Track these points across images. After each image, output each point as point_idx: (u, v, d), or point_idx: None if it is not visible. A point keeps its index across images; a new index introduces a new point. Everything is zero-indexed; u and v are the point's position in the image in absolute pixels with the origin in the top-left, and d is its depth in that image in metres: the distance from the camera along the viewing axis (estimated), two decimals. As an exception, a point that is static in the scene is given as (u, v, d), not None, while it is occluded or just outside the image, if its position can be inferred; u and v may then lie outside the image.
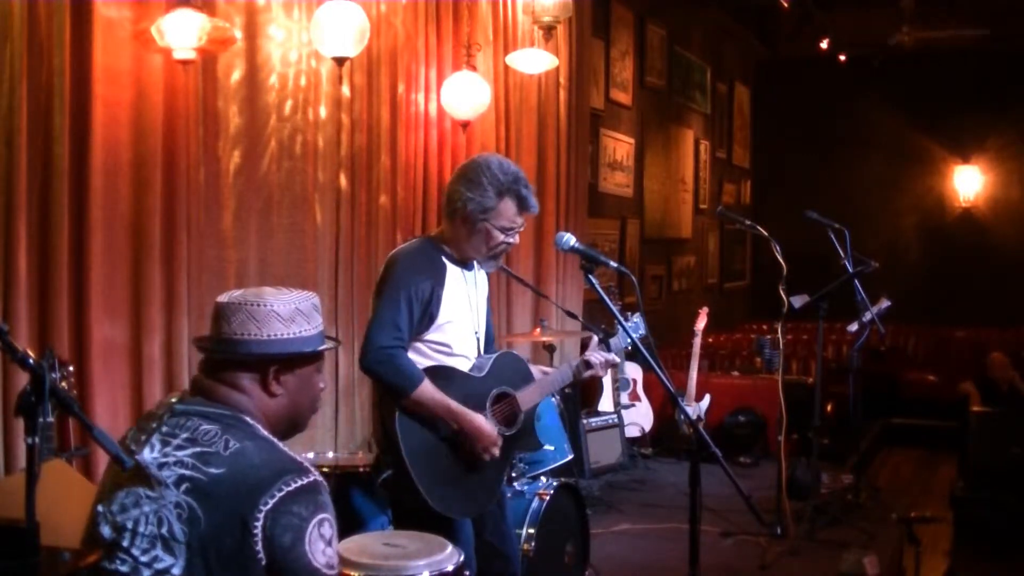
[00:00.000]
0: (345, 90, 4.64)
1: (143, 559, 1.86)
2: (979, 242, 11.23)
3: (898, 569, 4.99)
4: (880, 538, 5.28)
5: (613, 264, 3.10)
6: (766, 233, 5.40)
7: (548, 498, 3.95)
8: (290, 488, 1.86)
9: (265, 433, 1.97)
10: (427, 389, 2.98)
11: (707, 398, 6.89)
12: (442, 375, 3.06)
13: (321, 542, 1.88)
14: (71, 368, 3.07)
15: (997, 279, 10.87)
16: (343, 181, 4.68)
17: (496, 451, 3.09)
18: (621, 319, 3.15)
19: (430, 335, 3.09)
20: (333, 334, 4.60)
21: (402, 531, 3.04)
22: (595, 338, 3.41)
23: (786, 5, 10.08)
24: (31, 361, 1.76)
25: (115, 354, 3.59)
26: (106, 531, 1.89)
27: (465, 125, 5.37)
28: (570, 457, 4.53)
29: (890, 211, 11.64)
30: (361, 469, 3.70)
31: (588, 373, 3.34)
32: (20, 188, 3.19)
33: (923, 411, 8.96)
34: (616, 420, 6.65)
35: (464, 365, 3.17)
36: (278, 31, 4.33)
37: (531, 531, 3.84)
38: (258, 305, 1.99)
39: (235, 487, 1.85)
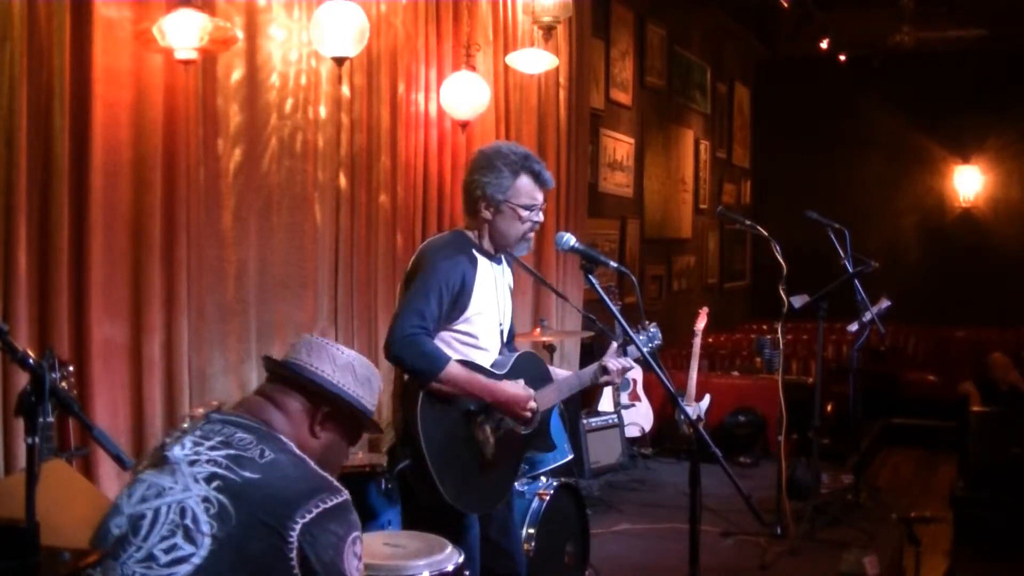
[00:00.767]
0: (345, 90, 4.64)
1: (160, 547, 1.87)
2: (979, 242, 11.24)
3: (898, 569, 4.99)
4: (880, 538, 5.28)
5: (613, 264, 3.10)
6: (766, 233, 5.40)
7: (548, 498, 3.96)
8: (327, 505, 1.91)
9: (298, 451, 2.01)
10: (454, 368, 2.98)
11: (707, 398, 6.89)
12: (466, 367, 3.06)
13: (355, 559, 1.94)
14: (71, 368, 3.07)
15: (997, 279, 10.87)
16: (343, 181, 4.68)
17: (531, 411, 3.10)
18: (631, 331, 3.14)
19: (459, 325, 3.10)
20: (332, 334, 4.61)
21: (402, 531, 3.04)
22: (613, 344, 3.40)
23: (786, 5, 10.08)
24: (31, 361, 1.76)
25: (115, 354, 3.59)
26: (123, 521, 1.91)
27: (465, 125, 5.37)
28: (570, 457, 4.53)
29: (890, 211, 11.65)
30: (366, 469, 3.69)
31: (604, 379, 3.35)
32: (20, 188, 3.19)
33: (923, 411, 8.97)
34: (616, 420, 6.65)
35: (488, 358, 3.18)
36: (278, 31, 4.33)
37: (531, 531, 3.85)
38: (341, 352, 2.12)
39: (269, 495, 1.88)
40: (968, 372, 8.49)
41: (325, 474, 1.99)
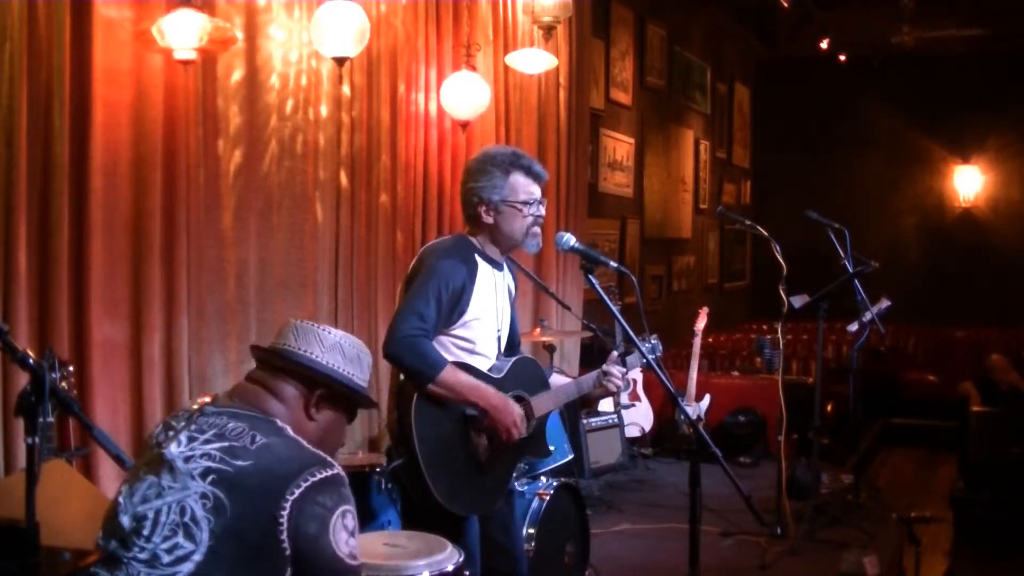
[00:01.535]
0: (345, 90, 4.65)
1: (163, 546, 1.87)
2: (979, 242, 11.24)
3: (898, 569, 4.99)
4: (880, 538, 5.27)
5: (613, 264, 3.10)
6: (766, 233, 5.40)
7: (548, 498, 3.95)
8: (315, 479, 1.90)
9: (292, 433, 2.02)
10: (450, 372, 2.97)
11: (707, 398, 6.89)
12: (463, 370, 3.06)
13: (344, 532, 1.93)
14: (71, 368, 3.07)
15: (997, 279, 10.87)
16: (343, 181, 4.68)
17: (518, 431, 3.09)
18: (631, 332, 3.14)
19: (456, 330, 3.09)
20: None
21: (402, 531, 3.04)
22: (614, 353, 3.40)
23: (786, 5, 10.07)
24: (31, 361, 1.77)
25: (115, 354, 3.59)
26: (126, 521, 1.91)
27: (465, 125, 5.37)
28: (570, 457, 4.53)
29: (890, 211, 11.65)
30: (366, 469, 3.69)
31: (602, 388, 3.34)
32: (20, 188, 3.19)
33: (923, 411, 8.96)
34: (616, 420, 6.64)
35: (484, 364, 3.17)
36: (278, 31, 4.33)
37: (531, 531, 3.84)
38: (328, 333, 2.12)
39: (262, 480, 1.89)
40: (968, 372, 8.49)
41: (318, 451, 1.99)
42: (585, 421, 6.39)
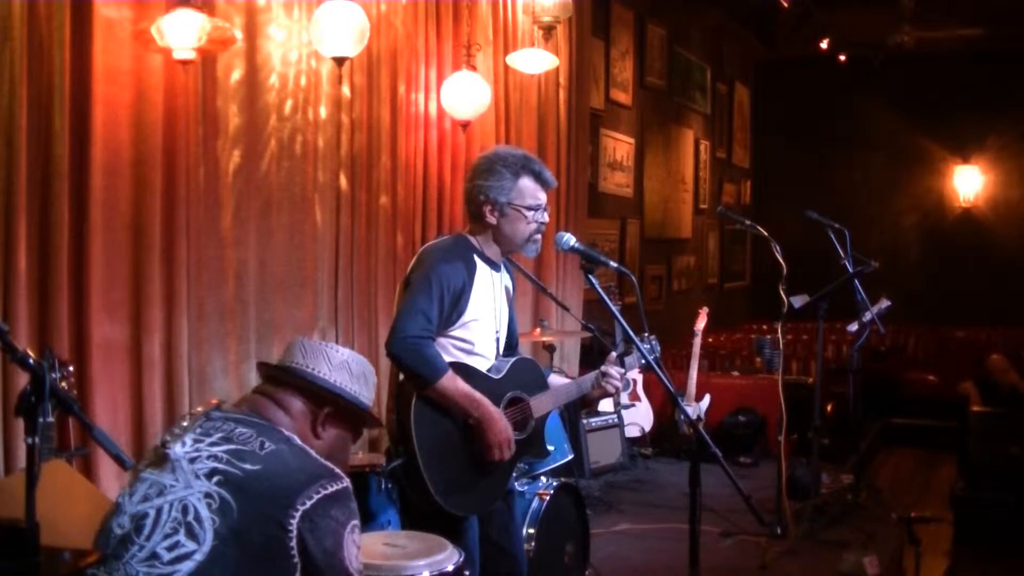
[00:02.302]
0: (345, 90, 4.64)
1: (163, 544, 1.87)
2: (979, 242, 11.24)
3: (898, 569, 4.99)
4: (880, 538, 5.27)
5: (613, 264, 3.10)
6: (766, 233, 5.39)
7: (548, 498, 3.95)
8: (327, 492, 1.92)
9: (299, 442, 2.03)
10: (451, 379, 2.98)
11: (707, 398, 6.89)
12: (461, 371, 3.06)
13: (354, 547, 1.96)
14: (71, 368, 3.07)
15: (997, 279, 10.87)
16: (343, 181, 4.68)
17: (509, 452, 3.09)
18: (631, 333, 3.14)
19: (455, 331, 3.09)
20: (332, 334, 4.61)
21: (402, 531, 3.04)
22: (613, 354, 3.40)
23: (786, 5, 10.08)
24: (31, 361, 1.76)
25: (115, 354, 3.59)
26: (125, 520, 1.92)
27: (465, 125, 5.37)
28: (570, 457, 4.53)
29: (890, 211, 11.65)
30: (366, 469, 3.69)
31: (600, 389, 3.33)
32: (20, 188, 3.19)
33: (923, 411, 8.97)
34: (616, 420, 6.64)
35: (483, 365, 3.17)
36: (278, 31, 4.33)
37: (531, 531, 3.84)
38: (336, 351, 2.15)
39: (270, 485, 1.90)
40: (968, 372, 8.48)
41: (326, 462, 2.01)
42: (585, 421, 6.39)
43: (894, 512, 5.58)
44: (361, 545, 2.00)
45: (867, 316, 5.83)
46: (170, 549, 1.86)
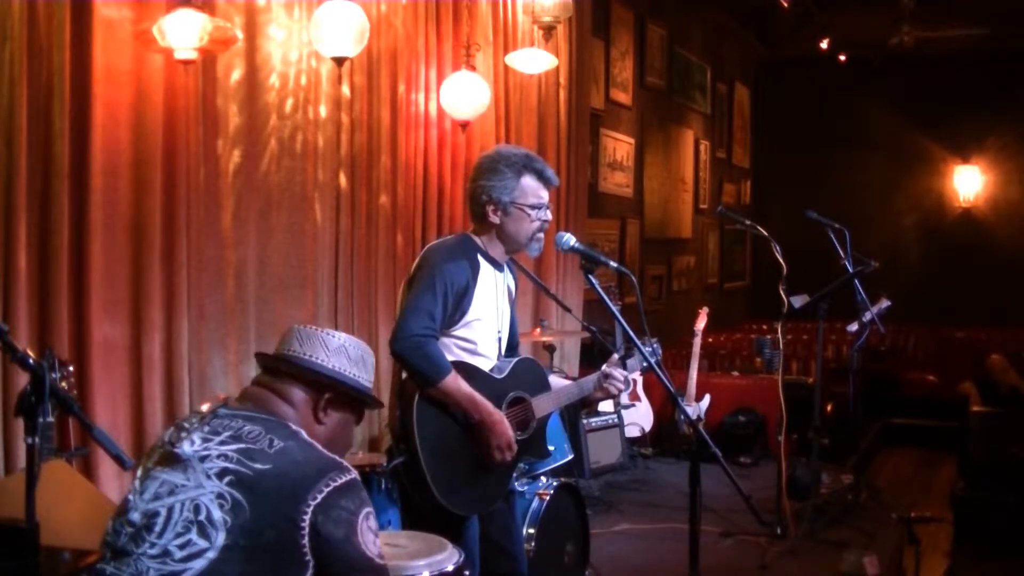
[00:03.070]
0: (345, 90, 4.64)
1: (175, 543, 1.88)
2: (979, 242, 11.24)
3: (898, 569, 4.99)
4: (880, 538, 5.27)
5: (613, 264, 3.10)
6: (766, 233, 5.39)
7: (548, 498, 3.95)
8: (337, 484, 1.93)
9: (306, 436, 2.04)
10: (453, 380, 2.98)
11: (707, 398, 6.89)
12: (464, 371, 3.06)
13: (370, 533, 1.98)
14: (71, 368, 3.07)
15: (997, 279, 10.88)
16: (343, 181, 4.68)
17: (510, 454, 3.09)
18: (631, 334, 3.14)
19: (457, 331, 3.10)
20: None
21: (402, 531, 3.04)
22: (614, 356, 3.40)
23: (786, 5, 10.08)
24: (31, 361, 1.77)
25: (115, 354, 3.59)
26: (136, 517, 1.92)
27: (465, 125, 5.37)
28: (570, 457, 4.53)
29: (890, 211, 11.65)
30: (366, 469, 3.69)
31: (603, 388, 3.34)
32: (20, 188, 3.19)
33: (923, 411, 8.98)
34: (616, 420, 6.64)
35: (486, 365, 3.17)
36: (278, 31, 4.33)
37: (531, 531, 3.84)
38: (332, 336, 2.15)
39: (280, 483, 1.90)
40: (968, 372, 8.49)
41: (333, 455, 2.02)
42: (585, 421, 6.39)
43: (894, 512, 5.57)
44: (378, 532, 2.01)
45: (867, 316, 5.83)
46: (182, 547, 1.87)
